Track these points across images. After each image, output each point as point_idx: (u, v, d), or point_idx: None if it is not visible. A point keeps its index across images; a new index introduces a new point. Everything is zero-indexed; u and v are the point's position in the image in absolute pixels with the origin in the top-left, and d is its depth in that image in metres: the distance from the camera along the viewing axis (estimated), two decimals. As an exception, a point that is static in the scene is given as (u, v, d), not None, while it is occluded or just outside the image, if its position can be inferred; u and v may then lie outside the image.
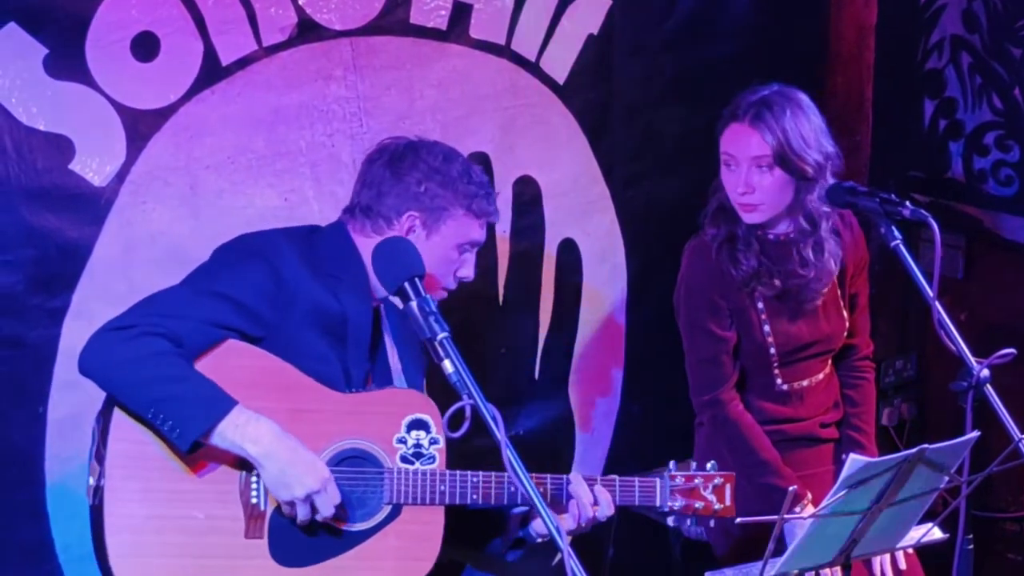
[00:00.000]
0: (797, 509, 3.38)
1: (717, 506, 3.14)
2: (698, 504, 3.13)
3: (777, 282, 3.52)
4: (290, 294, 2.95)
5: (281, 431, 2.87)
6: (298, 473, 2.86)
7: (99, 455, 2.89)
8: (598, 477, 3.10)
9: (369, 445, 2.98)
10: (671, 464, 3.14)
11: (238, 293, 2.92)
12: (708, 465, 3.15)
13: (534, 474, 2.94)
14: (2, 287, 3.33)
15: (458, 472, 2.99)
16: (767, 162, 3.45)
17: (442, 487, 2.98)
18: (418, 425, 2.99)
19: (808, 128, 3.46)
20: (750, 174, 3.45)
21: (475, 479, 3.00)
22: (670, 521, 3.14)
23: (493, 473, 2.99)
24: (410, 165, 3.07)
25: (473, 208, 3.08)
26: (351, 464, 2.96)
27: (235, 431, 2.84)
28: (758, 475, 3.50)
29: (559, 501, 3.05)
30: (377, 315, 3.15)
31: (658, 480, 3.12)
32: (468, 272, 3.13)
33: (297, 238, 3.07)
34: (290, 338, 2.96)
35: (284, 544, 2.93)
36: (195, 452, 2.85)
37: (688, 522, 3.17)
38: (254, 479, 2.91)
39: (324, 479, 2.88)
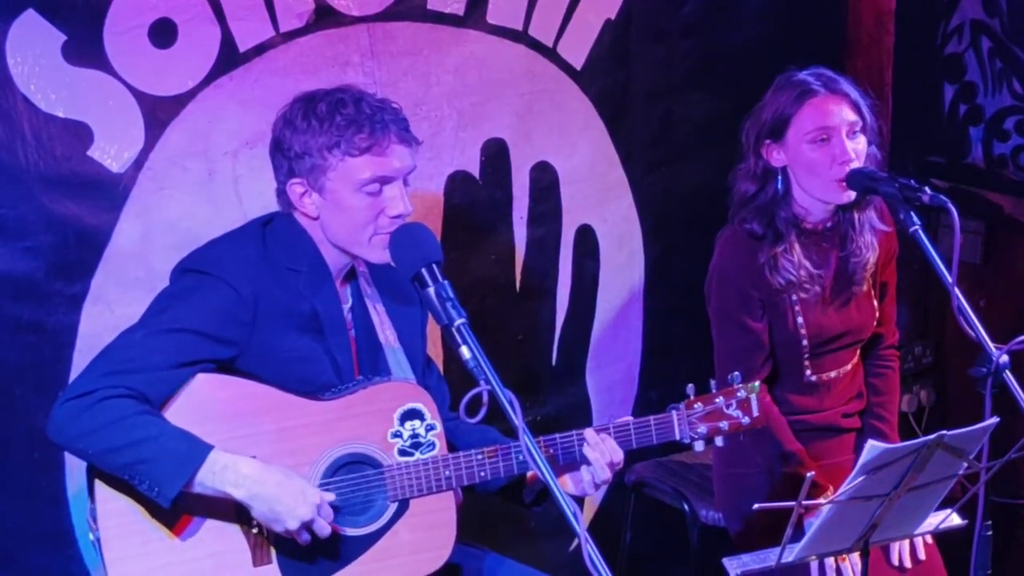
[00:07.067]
0: (822, 499, 3.36)
1: (745, 420, 3.03)
2: (723, 424, 3.02)
3: (818, 288, 3.50)
4: (251, 307, 2.88)
5: (262, 467, 2.81)
6: (288, 507, 2.80)
7: (92, 513, 2.87)
8: (610, 426, 3.00)
9: (364, 447, 2.91)
10: (688, 389, 3.02)
11: (196, 323, 2.84)
12: (730, 377, 3.05)
13: (542, 437, 2.92)
14: (22, 273, 3.34)
15: (461, 453, 2.93)
16: (860, 127, 3.42)
17: (447, 472, 2.92)
18: (412, 415, 2.93)
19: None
20: (847, 142, 3.40)
21: (480, 456, 2.93)
22: (697, 447, 3.03)
23: (498, 446, 2.94)
24: (279, 136, 2.96)
25: (349, 149, 2.88)
26: (349, 470, 2.91)
27: (214, 478, 2.78)
28: (783, 465, 3.48)
29: (573, 460, 2.97)
30: (356, 285, 3.05)
31: (674, 413, 3.01)
32: (398, 207, 2.92)
33: (247, 240, 2.98)
34: (264, 348, 2.89)
35: (294, 564, 2.89)
36: (182, 500, 2.80)
37: (719, 441, 3.04)
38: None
39: (316, 505, 2.82)
